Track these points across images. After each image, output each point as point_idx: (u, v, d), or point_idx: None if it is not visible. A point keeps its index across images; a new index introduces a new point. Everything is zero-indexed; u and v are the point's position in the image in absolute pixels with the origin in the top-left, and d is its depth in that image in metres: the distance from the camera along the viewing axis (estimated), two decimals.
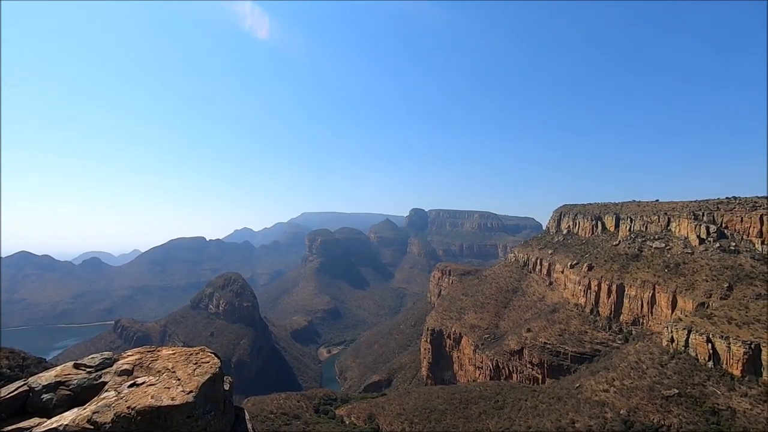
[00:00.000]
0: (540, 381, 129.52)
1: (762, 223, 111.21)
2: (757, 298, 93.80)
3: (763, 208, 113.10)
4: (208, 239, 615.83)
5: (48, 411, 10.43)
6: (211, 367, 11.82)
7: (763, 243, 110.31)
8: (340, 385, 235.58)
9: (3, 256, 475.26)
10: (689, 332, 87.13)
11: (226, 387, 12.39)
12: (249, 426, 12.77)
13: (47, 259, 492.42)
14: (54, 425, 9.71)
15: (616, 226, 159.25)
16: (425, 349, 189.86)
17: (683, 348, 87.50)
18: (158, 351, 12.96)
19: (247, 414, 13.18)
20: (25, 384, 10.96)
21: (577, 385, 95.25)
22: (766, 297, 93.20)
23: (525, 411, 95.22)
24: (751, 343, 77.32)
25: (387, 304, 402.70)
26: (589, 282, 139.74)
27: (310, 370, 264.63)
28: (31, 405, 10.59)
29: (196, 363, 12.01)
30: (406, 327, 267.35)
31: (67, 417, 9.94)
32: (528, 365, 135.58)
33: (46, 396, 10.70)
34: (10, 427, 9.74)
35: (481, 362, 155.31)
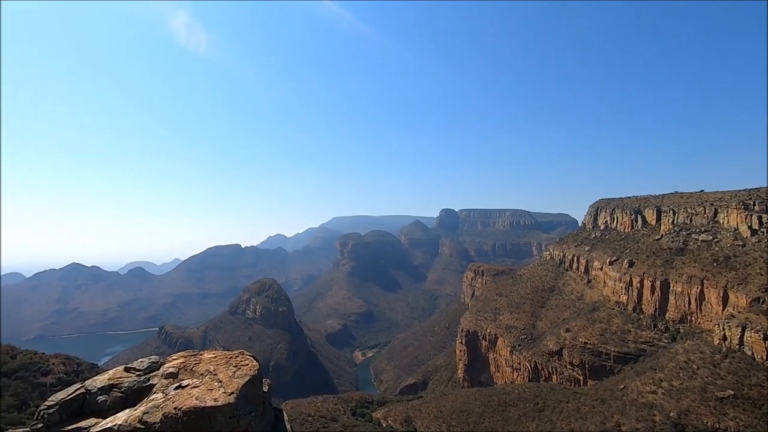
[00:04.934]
0: (582, 382, 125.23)
1: None
2: None
3: None
4: (243, 246, 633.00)
5: (103, 411, 11.07)
6: (250, 370, 12.19)
7: None
8: (375, 387, 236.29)
9: (56, 268, 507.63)
10: (744, 329, 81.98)
11: (265, 389, 12.74)
12: (288, 427, 13.07)
13: (96, 270, 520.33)
14: (109, 425, 10.31)
15: (658, 219, 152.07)
16: (460, 350, 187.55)
17: (737, 346, 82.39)
18: (200, 355, 13.48)
19: (285, 415, 13.49)
20: (81, 387, 11.68)
21: (622, 386, 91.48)
22: None
23: (567, 413, 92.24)
24: None
25: (420, 306, 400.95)
26: (631, 279, 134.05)
27: (346, 373, 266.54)
28: (87, 406, 11.27)
29: (236, 366, 12.42)
30: (440, 329, 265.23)
31: (120, 417, 10.53)
32: (568, 366, 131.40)
33: (100, 398, 11.36)
34: (70, 427, 10.41)
35: (519, 363, 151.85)
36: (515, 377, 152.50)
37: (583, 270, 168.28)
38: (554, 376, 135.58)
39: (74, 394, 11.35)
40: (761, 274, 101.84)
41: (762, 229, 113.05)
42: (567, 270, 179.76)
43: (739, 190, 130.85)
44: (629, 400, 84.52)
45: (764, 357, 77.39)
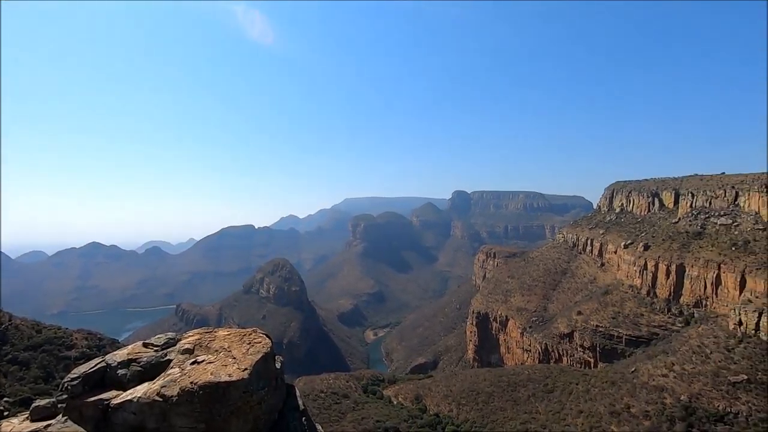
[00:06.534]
0: (592, 365, 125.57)
1: None
2: None
3: None
4: (256, 227, 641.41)
5: (123, 384, 11.52)
6: (263, 347, 12.49)
7: None
8: (386, 366, 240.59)
9: (77, 246, 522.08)
10: (760, 315, 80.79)
11: (278, 365, 13.06)
12: (300, 402, 13.42)
13: (114, 249, 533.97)
14: (129, 397, 10.74)
15: (676, 202, 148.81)
16: (471, 332, 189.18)
17: (753, 331, 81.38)
18: (215, 332, 13.83)
19: (297, 391, 13.84)
20: (102, 361, 12.13)
21: (633, 369, 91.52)
22: None
23: (576, 395, 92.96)
24: None
25: (431, 287, 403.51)
26: (645, 262, 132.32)
27: (358, 351, 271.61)
28: (108, 379, 11.74)
29: (249, 343, 12.74)
30: (451, 310, 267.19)
31: (140, 390, 10.94)
32: (579, 348, 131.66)
33: (120, 371, 11.80)
34: (93, 398, 10.87)
35: (529, 345, 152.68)
36: (525, 359, 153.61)
37: (596, 253, 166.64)
38: (564, 358, 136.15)
39: (96, 368, 11.80)
40: None
41: None
42: (580, 253, 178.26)
43: (762, 173, 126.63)
44: (640, 383, 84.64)
45: None
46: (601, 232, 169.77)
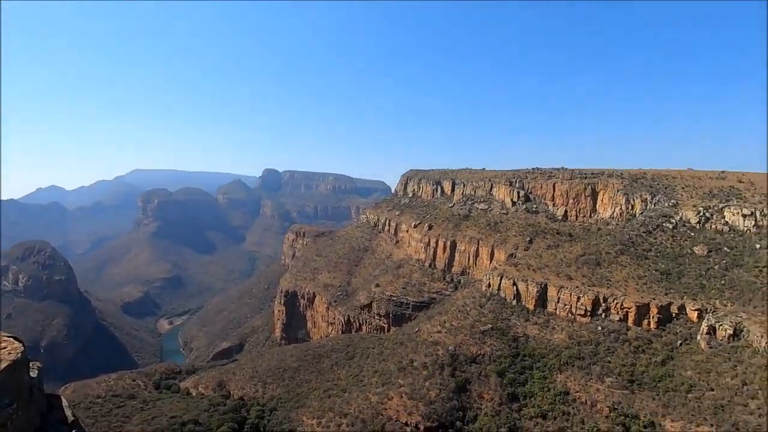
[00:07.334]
0: (386, 330, 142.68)
1: (554, 190, 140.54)
2: (548, 248, 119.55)
3: (556, 178, 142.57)
4: None
5: None
6: (10, 354, 9.59)
7: (554, 205, 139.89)
8: (185, 356, 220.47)
9: None
10: (501, 278, 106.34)
11: (33, 374, 10.29)
12: (68, 413, 10.92)
13: None
14: None
15: (452, 190, 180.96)
16: (279, 310, 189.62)
17: (497, 291, 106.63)
18: None
19: (64, 401, 11.22)
20: None
21: (416, 329, 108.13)
22: (554, 247, 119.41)
23: (372, 357, 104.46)
24: (541, 283, 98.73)
25: (237, 268, 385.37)
26: (429, 240, 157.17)
27: (148, 345, 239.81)
28: None
29: None
30: (259, 291, 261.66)
31: None
32: (376, 317, 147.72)
33: None
34: None
35: (334, 318, 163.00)
36: (330, 331, 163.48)
37: (393, 232, 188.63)
38: (364, 327, 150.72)
39: None
40: (515, 236, 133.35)
41: (519, 202, 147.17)
42: (380, 232, 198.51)
43: (507, 170, 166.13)
44: (421, 341, 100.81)
45: (512, 298, 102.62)
46: (397, 213, 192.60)
